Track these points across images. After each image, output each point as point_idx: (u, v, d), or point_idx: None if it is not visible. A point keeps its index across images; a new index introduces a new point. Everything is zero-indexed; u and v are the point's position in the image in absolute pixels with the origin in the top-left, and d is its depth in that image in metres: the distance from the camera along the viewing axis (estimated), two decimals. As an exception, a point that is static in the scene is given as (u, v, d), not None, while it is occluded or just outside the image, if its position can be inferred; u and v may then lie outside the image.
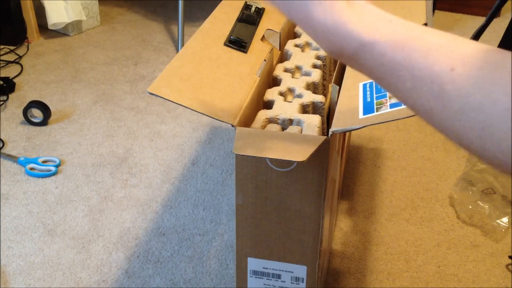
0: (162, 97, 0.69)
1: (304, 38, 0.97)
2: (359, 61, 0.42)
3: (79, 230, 1.16)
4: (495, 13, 1.09)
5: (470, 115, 0.35)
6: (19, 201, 1.24)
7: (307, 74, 0.88)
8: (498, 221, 1.18)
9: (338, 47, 0.43)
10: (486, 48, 0.37)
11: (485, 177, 1.24)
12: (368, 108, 0.69)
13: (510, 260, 1.11)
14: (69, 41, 1.96)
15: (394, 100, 0.68)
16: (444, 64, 0.37)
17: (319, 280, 0.86)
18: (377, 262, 1.10)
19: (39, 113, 1.48)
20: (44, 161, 1.35)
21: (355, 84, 0.76)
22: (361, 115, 0.68)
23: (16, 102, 1.60)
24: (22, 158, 1.35)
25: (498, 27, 1.52)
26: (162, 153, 1.41)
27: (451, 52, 0.38)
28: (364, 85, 0.75)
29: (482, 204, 1.20)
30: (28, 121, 1.49)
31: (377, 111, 0.67)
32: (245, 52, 0.84)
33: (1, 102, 1.59)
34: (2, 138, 1.44)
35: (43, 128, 1.49)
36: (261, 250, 0.81)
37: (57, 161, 1.35)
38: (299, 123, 0.77)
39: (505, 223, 1.17)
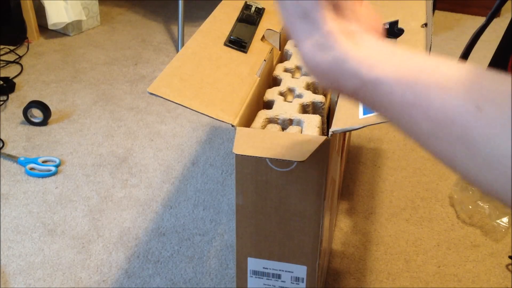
0: (162, 97, 0.69)
1: (304, 38, 0.97)
2: (362, 99, 0.37)
3: (79, 230, 1.16)
4: (495, 13, 1.08)
5: (504, 163, 0.30)
6: (19, 201, 1.24)
7: (307, 74, 0.88)
8: (498, 221, 1.18)
9: (335, 85, 0.37)
10: None
11: (485, 177, 1.24)
12: (368, 108, 0.69)
13: (510, 260, 1.11)
14: (69, 41, 1.96)
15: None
16: (468, 102, 0.31)
17: (319, 280, 0.86)
18: (377, 262, 1.10)
19: (39, 113, 1.48)
20: (44, 161, 1.35)
21: (355, 84, 0.76)
22: (361, 115, 0.68)
23: (16, 102, 1.60)
24: (22, 158, 1.35)
25: (498, 27, 1.52)
26: (162, 153, 1.41)
27: (473, 87, 0.32)
28: (364, 85, 0.74)
29: (482, 204, 1.20)
30: (28, 121, 1.49)
31: (377, 111, 0.67)
32: (245, 52, 0.84)
33: (1, 102, 1.59)
34: (2, 138, 1.44)
35: (43, 128, 1.49)
36: (261, 250, 0.81)
37: (57, 161, 1.35)
38: (299, 123, 0.77)
39: (505, 223, 1.17)
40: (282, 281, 0.83)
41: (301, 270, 0.81)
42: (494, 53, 1.25)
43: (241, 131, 0.69)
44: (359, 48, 0.36)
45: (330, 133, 0.68)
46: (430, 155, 0.35)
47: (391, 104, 0.35)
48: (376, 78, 0.35)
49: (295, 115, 0.78)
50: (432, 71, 0.34)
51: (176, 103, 0.69)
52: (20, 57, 1.83)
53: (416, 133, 0.34)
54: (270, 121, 0.77)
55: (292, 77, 0.87)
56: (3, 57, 1.82)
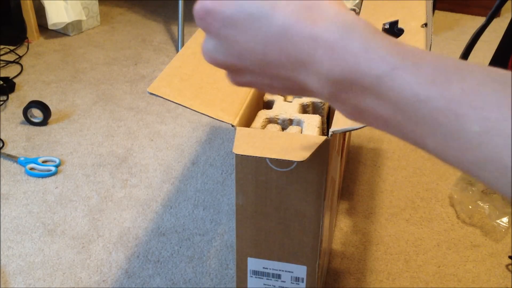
0: (162, 97, 0.69)
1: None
2: (380, 92, 0.33)
3: (79, 230, 1.16)
4: (495, 13, 1.08)
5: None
6: (19, 201, 1.24)
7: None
8: (498, 221, 1.18)
9: (351, 69, 0.33)
10: None
11: (485, 177, 1.23)
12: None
13: (510, 260, 1.11)
14: (69, 41, 1.96)
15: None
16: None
17: (319, 280, 0.86)
18: (377, 262, 1.10)
19: (39, 113, 1.48)
20: (44, 161, 1.35)
21: (355, 84, 0.76)
22: (361, 115, 0.68)
23: (16, 102, 1.60)
24: (22, 158, 1.35)
25: (498, 27, 1.53)
26: (162, 153, 1.41)
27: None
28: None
29: (482, 204, 1.20)
30: (28, 121, 1.49)
31: (377, 111, 0.67)
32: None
33: (1, 102, 1.59)
34: (2, 138, 1.44)
35: (43, 128, 1.49)
36: (261, 250, 0.81)
37: (57, 161, 1.35)
38: (299, 123, 0.77)
39: (505, 223, 1.17)
40: (282, 281, 0.83)
41: (301, 270, 0.81)
42: (494, 53, 1.25)
43: (241, 131, 0.69)
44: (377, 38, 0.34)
45: (330, 133, 0.68)
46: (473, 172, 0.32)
47: (422, 99, 0.31)
48: (414, 64, 0.32)
49: (295, 115, 0.78)
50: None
51: (176, 103, 0.69)
52: (20, 57, 1.83)
53: (456, 136, 0.31)
54: (270, 121, 0.77)
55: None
56: (3, 57, 1.82)
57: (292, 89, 0.39)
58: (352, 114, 0.37)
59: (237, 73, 0.40)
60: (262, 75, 0.38)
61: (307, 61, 0.35)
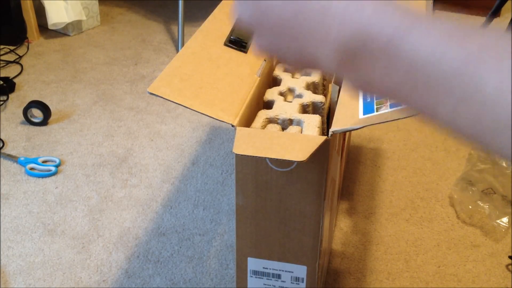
0: (162, 97, 0.69)
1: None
2: (392, 55, 0.32)
3: (79, 230, 1.16)
4: (495, 13, 1.08)
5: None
6: (19, 201, 1.24)
7: (307, 74, 0.88)
8: (498, 221, 1.18)
9: (361, 32, 0.32)
10: None
11: (485, 177, 1.24)
12: (368, 108, 0.69)
13: (510, 260, 1.11)
14: (69, 41, 1.96)
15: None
16: None
17: (319, 280, 0.86)
18: (377, 262, 1.10)
19: (39, 113, 1.48)
20: (44, 161, 1.35)
21: (355, 84, 0.76)
22: (361, 115, 0.68)
23: (16, 102, 1.60)
24: (22, 158, 1.35)
25: (498, 27, 1.53)
26: (162, 153, 1.41)
27: None
28: (364, 85, 0.74)
29: (482, 204, 1.20)
30: (28, 121, 1.49)
31: (377, 111, 0.67)
32: (245, 52, 0.84)
33: (1, 102, 1.59)
34: (2, 138, 1.44)
35: (43, 128, 1.49)
36: (261, 250, 0.81)
37: (57, 161, 1.35)
38: (299, 123, 0.77)
39: (505, 223, 1.17)
40: (282, 281, 0.83)
41: (301, 270, 0.81)
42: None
43: (241, 131, 0.69)
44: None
45: (330, 133, 0.68)
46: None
47: (437, 58, 0.30)
48: (430, 23, 0.31)
49: (295, 115, 0.78)
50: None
51: (176, 103, 0.69)
52: (20, 57, 1.83)
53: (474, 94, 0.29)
54: (270, 121, 0.77)
55: (292, 77, 0.87)
56: (3, 57, 1.82)
57: (303, 62, 0.39)
58: (361, 84, 0.36)
59: (261, 34, 0.40)
60: (280, 39, 0.38)
61: (318, 25, 0.35)
